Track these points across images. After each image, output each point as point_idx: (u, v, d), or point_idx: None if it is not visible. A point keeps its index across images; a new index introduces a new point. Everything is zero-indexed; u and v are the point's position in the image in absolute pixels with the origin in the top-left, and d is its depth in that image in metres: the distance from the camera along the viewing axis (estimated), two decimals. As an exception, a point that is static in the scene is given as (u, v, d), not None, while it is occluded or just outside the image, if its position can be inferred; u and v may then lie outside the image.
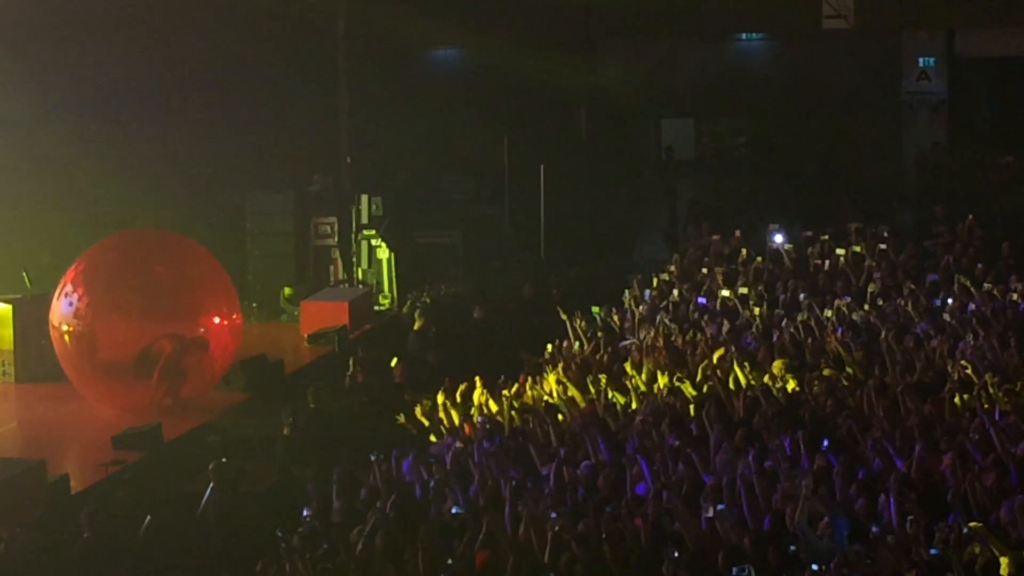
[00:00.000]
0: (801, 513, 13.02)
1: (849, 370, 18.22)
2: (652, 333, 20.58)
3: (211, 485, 16.36)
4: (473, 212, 30.95)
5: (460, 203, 31.02)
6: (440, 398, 18.25)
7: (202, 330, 21.19)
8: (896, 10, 31.55)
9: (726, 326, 20.69)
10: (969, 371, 17.22)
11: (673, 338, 20.35)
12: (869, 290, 22.03)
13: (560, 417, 17.40)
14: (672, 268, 24.86)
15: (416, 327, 23.40)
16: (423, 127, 30.83)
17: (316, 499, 15.14)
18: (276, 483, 17.52)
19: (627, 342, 20.68)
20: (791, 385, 17.52)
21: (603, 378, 18.15)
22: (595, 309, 22.37)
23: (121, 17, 26.21)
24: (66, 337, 20.70)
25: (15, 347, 22.34)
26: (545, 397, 18.25)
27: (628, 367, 18.84)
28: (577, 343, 21.01)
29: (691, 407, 17.06)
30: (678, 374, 18.23)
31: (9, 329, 22.34)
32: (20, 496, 16.49)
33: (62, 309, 20.71)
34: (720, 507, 13.14)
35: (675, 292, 23.09)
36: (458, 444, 16.18)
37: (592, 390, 17.92)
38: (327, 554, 13.60)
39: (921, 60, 32.53)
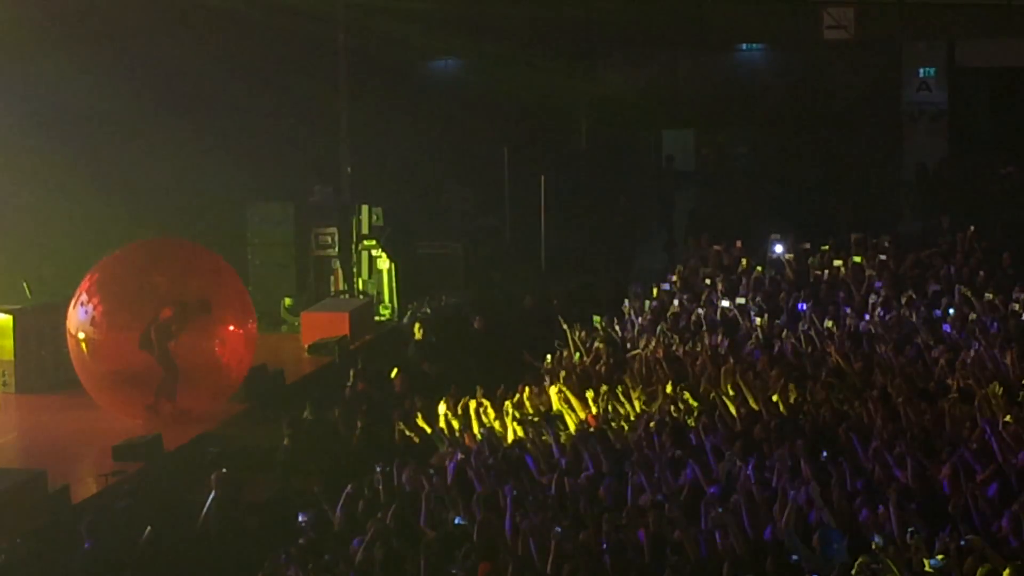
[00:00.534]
0: (788, 521, 13.03)
1: (849, 380, 18.22)
2: (652, 343, 20.59)
3: (212, 495, 16.33)
4: (473, 222, 30.98)
5: (460, 213, 31.05)
6: (441, 408, 18.24)
7: (217, 341, 21.19)
8: (896, 21, 31.60)
9: (726, 337, 20.70)
10: (970, 381, 17.23)
11: (674, 348, 20.36)
12: (871, 300, 22.03)
13: (561, 427, 17.39)
14: (674, 278, 24.87)
15: (416, 337, 23.39)
16: (423, 137, 30.85)
17: (317, 509, 15.12)
18: (277, 493, 17.50)
19: (630, 353, 20.68)
20: (792, 396, 17.51)
21: (604, 388, 18.14)
22: (596, 319, 22.38)
23: (122, 27, 26.20)
24: (83, 345, 20.73)
25: (15, 357, 22.32)
26: (546, 407, 18.23)
27: (628, 378, 18.83)
28: (577, 353, 21.01)
29: (692, 418, 17.07)
30: (679, 385, 18.23)
31: (9, 339, 22.32)
32: (21, 507, 16.47)
33: (78, 317, 20.75)
34: (719, 511, 13.16)
35: (675, 302, 23.11)
36: (459, 455, 16.17)
37: (592, 400, 17.91)
38: (327, 564, 13.59)
39: (921, 70, 32.61)
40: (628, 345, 21.39)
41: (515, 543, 13.48)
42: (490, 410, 18.05)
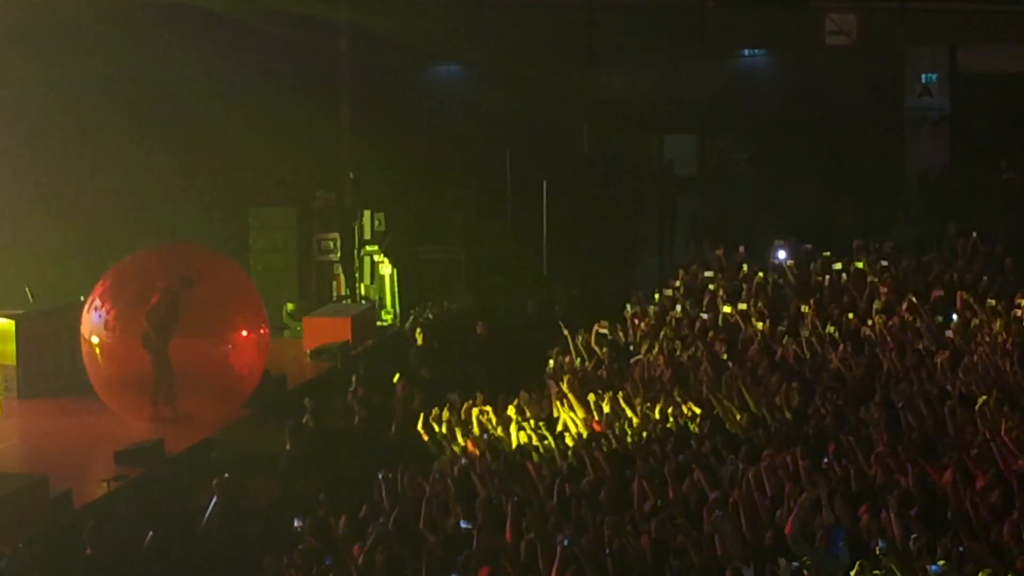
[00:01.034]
0: (795, 524, 13.03)
1: (851, 386, 18.23)
2: (655, 349, 20.60)
3: (214, 500, 16.34)
4: (475, 228, 30.97)
5: (462, 219, 31.04)
6: (445, 414, 18.24)
7: (229, 346, 21.20)
8: (898, 26, 31.60)
9: (728, 342, 20.71)
10: (972, 387, 17.24)
11: (676, 354, 20.37)
12: (874, 306, 22.03)
13: (563, 433, 17.40)
14: (677, 284, 24.87)
15: (419, 343, 23.40)
16: (425, 143, 30.85)
17: (315, 514, 15.12)
18: (278, 498, 17.50)
19: (633, 359, 20.69)
20: (794, 401, 17.52)
21: (608, 395, 18.14)
22: (603, 324, 22.37)
23: (123, 33, 26.20)
24: (96, 349, 20.76)
25: (18, 362, 22.33)
26: (548, 413, 18.25)
27: (630, 383, 18.84)
28: (579, 359, 21.02)
29: (694, 423, 17.08)
30: (682, 390, 18.24)
31: (12, 344, 22.31)
32: (23, 512, 16.47)
33: (92, 321, 20.79)
34: (719, 515, 13.17)
35: (678, 308, 23.11)
36: (462, 460, 16.18)
37: (595, 406, 17.91)
38: (329, 569, 13.59)
39: (923, 76, 32.63)
40: (631, 350, 21.40)
41: (516, 548, 13.48)
42: (492, 415, 18.07)
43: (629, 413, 17.71)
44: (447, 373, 21.80)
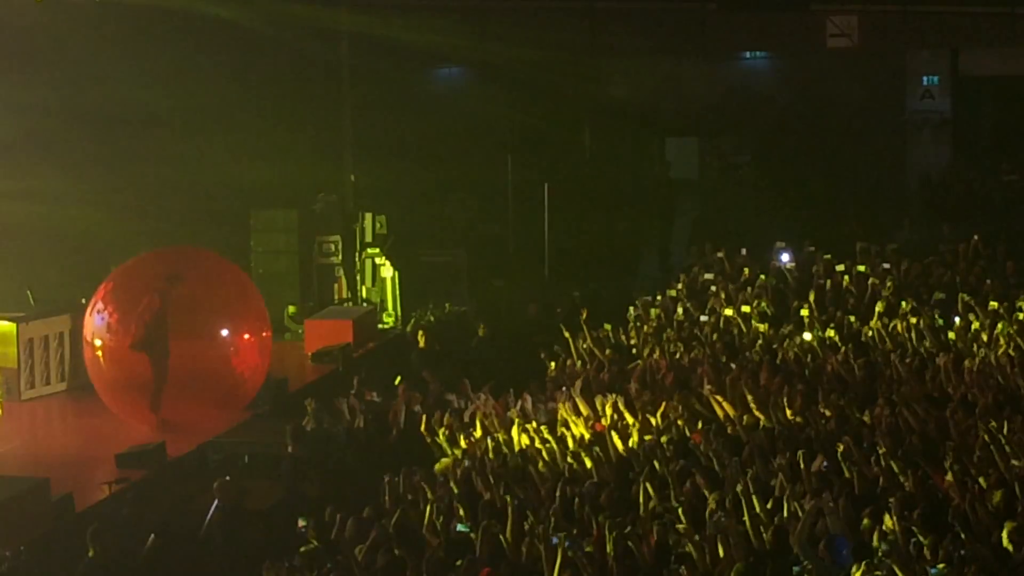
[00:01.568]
0: (802, 531, 13.03)
1: (852, 389, 18.23)
2: (656, 351, 20.59)
3: (215, 503, 16.34)
4: (477, 230, 30.99)
5: (464, 221, 31.05)
6: (447, 418, 18.24)
7: (232, 349, 21.20)
8: (900, 29, 31.62)
9: (730, 345, 20.70)
10: (973, 389, 17.24)
11: (678, 356, 20.36)
12: (876, 309, 22.02)
13: (565, 435, 17.39)
14: (680, 286, 24.87)
15: (420, 345, 23.40)
16: (426, 145, 30.86)
17: (318, 516, 15.12)
18: (280, 501, 17.51)
19: (634, 361, 20.68)
20: (796, 404, 17.51)
21: (611, 398, 18.13)
22: (606, 327, 22.38)
23: (124, 37, 26.22)
24: (98, 352, 20.77)
25: (19, 365, 22.33)
26: (550, 415, 18.24)
27: (632, 386, 18.83)
28: (580, 362, 21.01)
29: (696, 427, 17.07)
30: (683, 393, 18.23)
31: (13, 347, 22.31)
32: (24, 515, 16.46)
33: (95, 324, 20.79)
34: (720, 517, 13.17)
35: (680, 310, 23.11)
36: (465, 462, 16.18)
37: (596, 409, 17.91)
38: (330, 572, 13.59)
39: (925, 79, 32.62)
40: (633, 352, 21.40)
41: (517, 551, 13.48)
42: (495, 418, 18.06)
43: (630, 416, 17.70)
44: (449, 375, 21.79)
